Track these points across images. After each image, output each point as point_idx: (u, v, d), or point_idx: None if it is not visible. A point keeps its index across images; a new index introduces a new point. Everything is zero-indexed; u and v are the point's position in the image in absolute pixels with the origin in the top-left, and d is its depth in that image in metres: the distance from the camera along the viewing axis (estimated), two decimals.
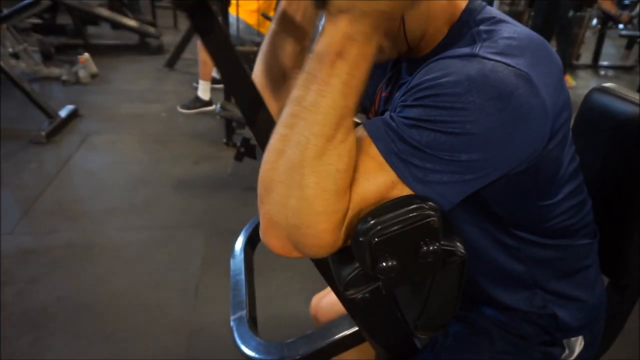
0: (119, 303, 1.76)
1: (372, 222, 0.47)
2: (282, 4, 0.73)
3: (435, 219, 0.47)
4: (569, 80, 4.70)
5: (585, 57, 5.54)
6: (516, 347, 0.72)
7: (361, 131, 0.53)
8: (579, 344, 0.74)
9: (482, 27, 0.57)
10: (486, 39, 0.55)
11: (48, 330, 1.62)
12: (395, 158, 0.51)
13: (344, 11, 0.45)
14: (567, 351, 0.74)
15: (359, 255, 0.49)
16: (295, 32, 0.73)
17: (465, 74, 0.50)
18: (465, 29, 0.59)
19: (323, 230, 0.49)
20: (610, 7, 4.89)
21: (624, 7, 7.43)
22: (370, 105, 0.76)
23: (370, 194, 0.50)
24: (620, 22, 5.15)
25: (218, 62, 0.57)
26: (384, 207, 0.48)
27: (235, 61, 0.58)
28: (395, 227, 0.47)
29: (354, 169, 0.50)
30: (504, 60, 0.51)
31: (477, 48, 0.53)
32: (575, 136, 0.88)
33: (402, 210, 0.47)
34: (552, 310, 0.71)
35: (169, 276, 1.91)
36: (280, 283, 1.88)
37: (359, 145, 0.51)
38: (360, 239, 0.47)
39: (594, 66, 5.45)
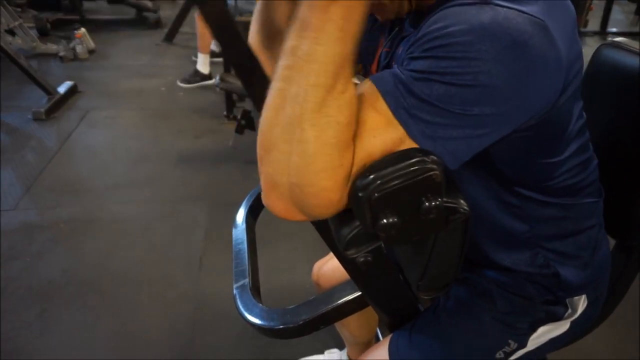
0: (123, 276, 1.77)
1: (372, 177, 0.45)
2: None
3: (437, 172, 0.45)
4: None
5: (593, 24, 5.41)
6: (518, 307, 0.71)
7: (368, 84, 0.51)
8: (581, 303, 0.73)
9: None
10: None
11: (54, 303, 1.64)
12: (404, 113, 0.48)
13: None
14: (570, 310, 0.73)
15: (359, 212, 0.47)
16: None
17: (478, 21, 0.47)
18: None
19: (326, 188, 0.47)
20: None
21: None
22: (371, 63, 0.74)
23: (376, 150, 0.48)
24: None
25: (216, 32, 0.55)
26: (384, 161, 0.46)
27: (233, 30, 0.55)
28: (396, 182, 0.45)
29: (360, 124, 0.48)
30: (517, 7, 0.48)
31: None
32: (584, 93, 0.85)
33: (403, 164, 0.45)
34: (555, 269, 0.69)
35: (173, 249, 1.92)
36: (285, 253, 1.89)
37: (365, 99, 0.49)
38: (360, 195, 0.45)
39: (602, 33, 5.33)
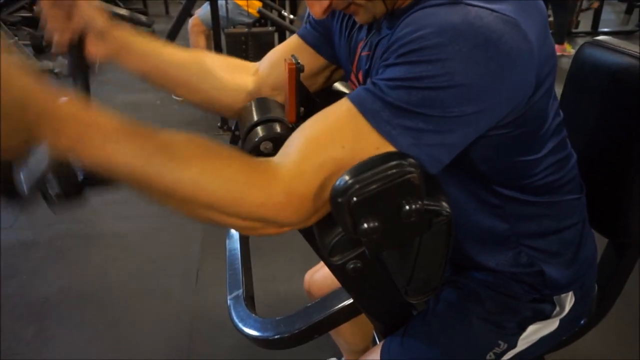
0: (120, 291, 1.76)
1: (350, 181, 0.45)
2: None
3: (415, 175, 0.45)
4: (568, 48, 4.62)
5: (585, 24, 5.44)
6: (506, 306, 0.71)
7: (346, 105, 0.51)
8: (569, 300, 0.73)
9: None
10: None
11: (51, 320, 1.63)
12: (386, 126, 0.49)
13: None
14: (557, 308, 0.72)
15: (339, 217, 0.47)
16: None
17: (448, 22, 0.47)
18: None
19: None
20: None
21: None
22: (351, 67, 0.74)
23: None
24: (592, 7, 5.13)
25: None
26: (362, 165, 0.46)
27: None
28: (374, 186, 0.45)
29: (349, 149, 0.49)
30: (488, 6, 0.48)
31: None
32: (567, 91, 0.86)
33: (380, 168, 0.45)
34: (539, 267, 0.69)
35: (169, 262, 1.91)
36: (281, 263, 1.88)
37: (346, 121, 0.50)
38: (339, 200, 0.45)
39: (594, 33, 5.36)
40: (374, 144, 0.49)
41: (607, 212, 0.80)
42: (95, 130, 0.45)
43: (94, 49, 0.70)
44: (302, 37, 0.79)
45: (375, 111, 0.49)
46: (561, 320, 0.73)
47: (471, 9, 0.48)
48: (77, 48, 0.69)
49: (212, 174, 0.48)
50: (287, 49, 0.80)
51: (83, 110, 0.46)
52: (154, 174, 0.47)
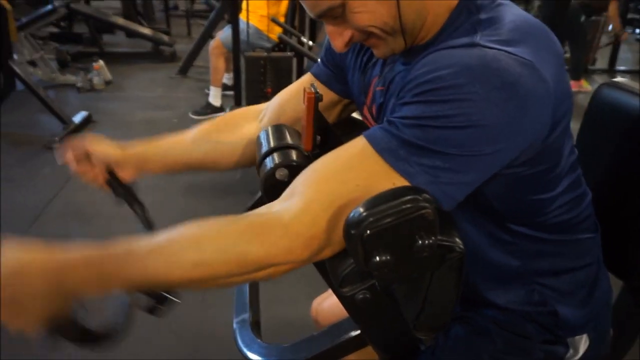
0: None
1: (364, 214, 0.45)
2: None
3: (429, 210, 0.45)
4: (585, 85, 4.62)
5: (602, 62, 5.45)
6: (517, 346, 0.70)
7: (362, 144, 0.52)
8: (583, 342, 0.71)
9: (482, 15, 0.55)
10: (487, 27, 0.53)
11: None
12: (403, 164, 0.50)
13: None
14: (571, 350, 0.70)
15: (352, 248, 0.47)
16: None
17: (465, 64, 0.48)
18: (465, 13, 0.57)
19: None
20: (616, 23, 4.83)
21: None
22: (364, 99, 0.75)
23: None
24: (621, 40, 5.18)
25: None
26: (377, 199, 0.47)
27: None
28: (388, 219, 0.45)
29: (363, 187, 0.50)
30: (505, 48, 0.49)
31: (478, 37, 0.52)
32: (583, 131, 0.86)
33: (395, 202, 0.46)
34: (553, 307, 0.68)
35: None
36: (287, 286, 1.86)
37: (362, 160, 0.51)
38: (352, 232, 0.45)
39: (611, 70, 5.37)
40: (390, 182, 0.50)
41: (620, 253, 0.79)
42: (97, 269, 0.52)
43: (124, 174, 0.82)
44: (315, 74, 0.82)
45: (392, 149, 0.50)
46: None
47: (488, 51, 0.49)
48: (113, 181, 0.83)
49: (207, 251, 0.52)
50: (301, 87, 0.82)
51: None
52: (162, 275, 0.52)
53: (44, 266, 0.49)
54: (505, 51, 0.49)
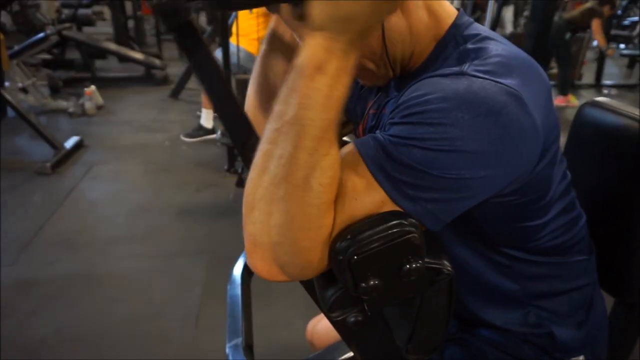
0: (119, 333, 1.73)
1: (351, 239, 0.45)
2: (272, 24, 0.73)
3: (416, 235, 0.46)
4: (572, 100, 4.71)
5: (588, 77, 5.56)
6: None
7: (351, 148, 0.52)
8: None
9: (469, 46, 0.57)
10: (475, 57, 0.54)
11: None
12: (384, 176, 0.49)
13: (322, 27, 0.45)
14: None
15: (340, 274, 0.47)
16: (285, 51, 0.73)
17: (453, 90, 0.49)
18: (452, 44, 0.59)
19: (306, 248, 0.47)
20: (601, 40, 4.96)
21: (623, 27, 7.52)
22: (360, 124, 0.76)
23: (357, 213, 0.49)
24: (607, 55, 5.34)
25: (203, 81, 0.58)
26: (363, 224, 0.47)
27: (219, 81, 0.58)
28: (375, 245, 0.45)
29: (342, 187, 0.49)
30: (493, 78, 0.50)
31: (466, 67, 0.53)
32: (569, 151, 0.87)
33: (381, 227, 0.46)
34: (549, 329, 0.68)
35: (170, 305, 1.88)
36: (282, 309, 1.85)
37: (347, 162, 0.51)
38: (340, 258, 0.46)
39: (597, 85, 5.47)
40: (375, 194, 0.50)
41: (612, 271, 0.79)
42: None
43: None
44: None
45: (377, 159, 0.50)
46: None
47: (476, 80, 0.50)
48: None
49: None
50: None
51: None
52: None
53: None
54: (493, 80, 0.50)
